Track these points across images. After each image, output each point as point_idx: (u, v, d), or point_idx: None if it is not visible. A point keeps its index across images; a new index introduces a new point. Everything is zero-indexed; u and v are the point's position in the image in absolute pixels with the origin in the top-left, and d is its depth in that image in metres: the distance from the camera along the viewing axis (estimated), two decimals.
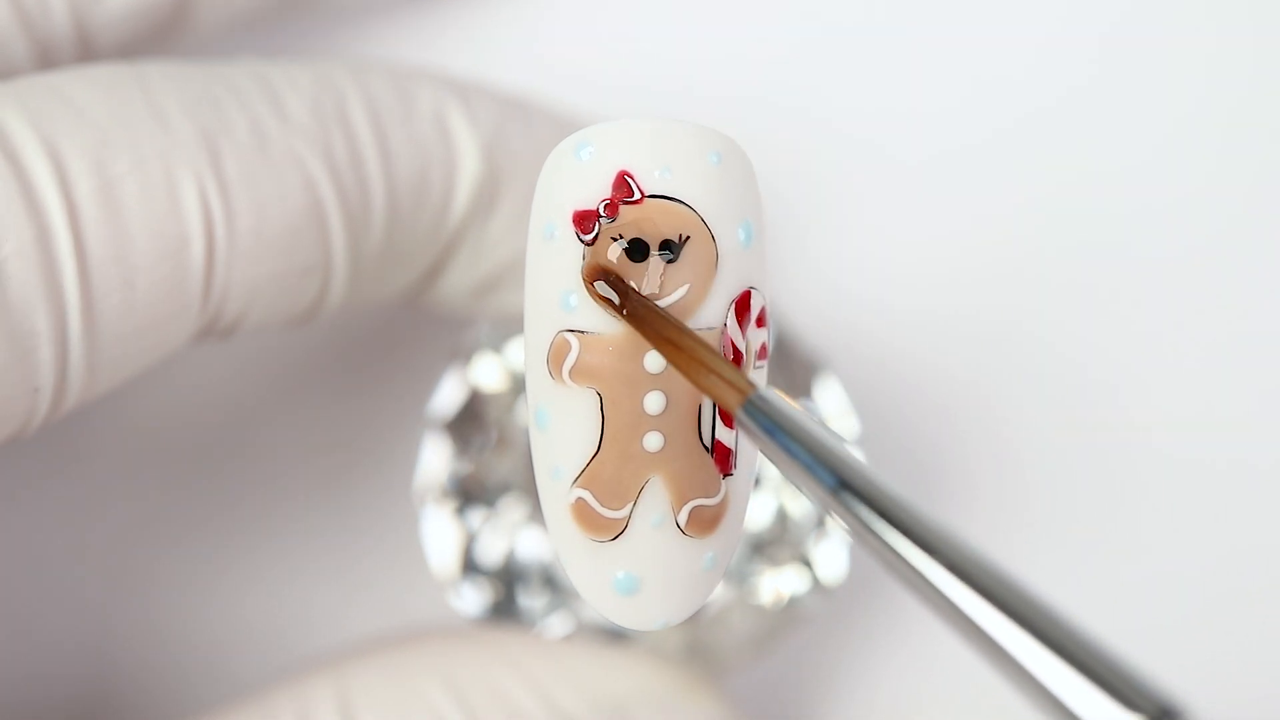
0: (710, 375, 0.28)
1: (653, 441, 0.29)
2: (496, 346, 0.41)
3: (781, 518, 0.41)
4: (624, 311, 0.29)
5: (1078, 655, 0.23)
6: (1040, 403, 0.45)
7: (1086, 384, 0.46)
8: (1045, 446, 0.45)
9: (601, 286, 0.29)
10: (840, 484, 0.25)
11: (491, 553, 0.41)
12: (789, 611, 0.41)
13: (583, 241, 0.29)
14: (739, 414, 0.27)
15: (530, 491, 0.41)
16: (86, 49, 0.37)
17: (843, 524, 0.26)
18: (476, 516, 0.41)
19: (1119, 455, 0.46)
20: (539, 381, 0.30)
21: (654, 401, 0.29)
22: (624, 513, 0.30)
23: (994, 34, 0.46)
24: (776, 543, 0.41)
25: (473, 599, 0.41)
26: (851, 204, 0.46)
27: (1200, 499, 0.45)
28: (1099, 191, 0.46)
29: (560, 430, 0.30)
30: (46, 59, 0.36)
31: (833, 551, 0.41)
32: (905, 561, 0.24)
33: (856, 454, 0.26)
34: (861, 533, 0.25)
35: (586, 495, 0.30)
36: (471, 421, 0.41)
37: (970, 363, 0.45)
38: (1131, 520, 0.45)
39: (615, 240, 0.29)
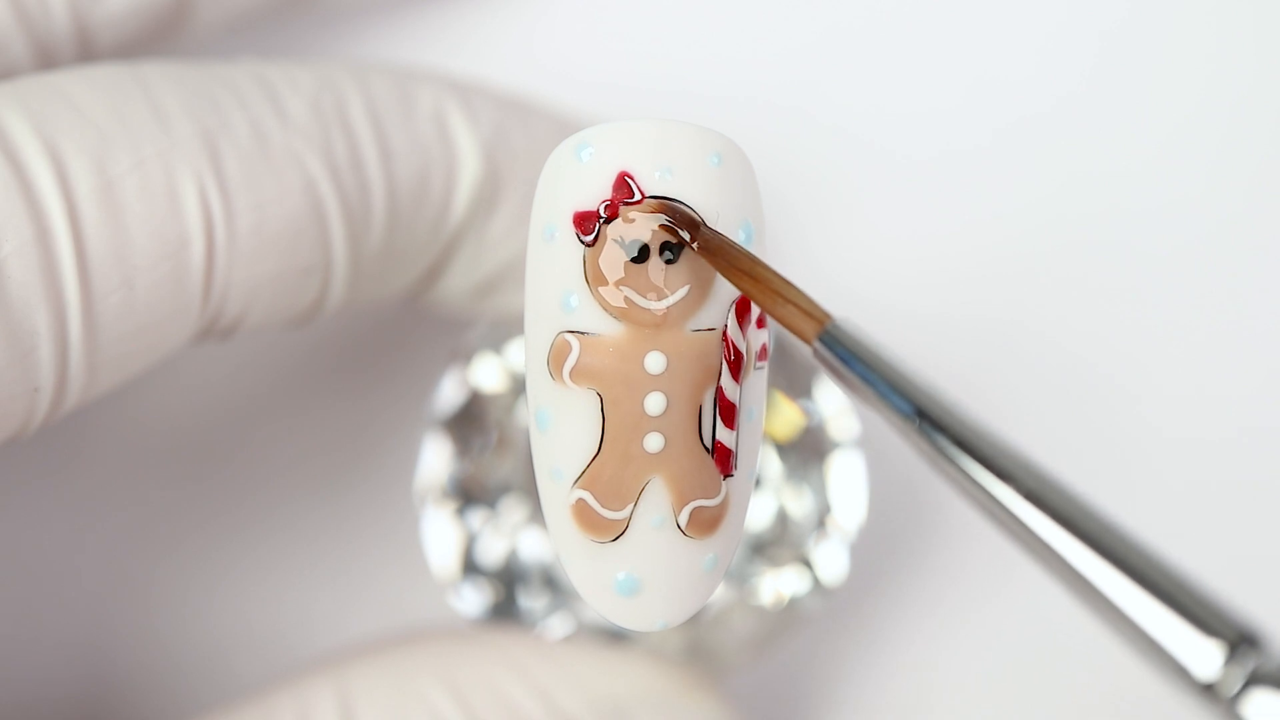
0: (786, 304, 0.28)
1: (653, 442, 0.29)
2: (497, 347, 0.41)
3: (782, 518, 0.41)
4: (694, 243, 0.29)
5: (1157, 582, 0.23)
6: (1041, 401, 0.45)
7: (1088, 382, 0.46)
8: (1047, 446, 0.45)
9: (676, 223, 0.29)
10: (918, 412, 0.25)
11: (492, 553, 0.41)
12: (789, 612, 0.41)
13: (583, 243, 0.29)
14: (816, 344, 0.27)
15: (531, 492, 0.41)
16: (86, 49, 0.37)
17: (921, 454, 0.25)
18: (477, 517, 0.41)
19: (1122, 453, 0.46)
20: (539, 382, 0.30)
21: (654, 402, 0.29)
22: (624, 514, 0.30)
23: (994, 34, 0.46)
24: (777, 543, 0.41)
25: (473, 600, 0.41)
26: (851, 204, 0.46)
27: (1205, 496, 0.45)
28: (1099, 191, 0.46)
29: (561, 431, 0.30)
30: (46, 59, 0.36)
31: (833, 552, 0.41)
32: (983, 489, 0.24)
33: (936, 382, 0.26)
34: (939, 461, 0.25)
35: (587, 496, 0.30)
36: (472, 422, 0.41)
37: (971, 362, 0.45)
38: (1135, 520, 0.45)
39: (616, 241, 0.29)
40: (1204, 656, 0.22)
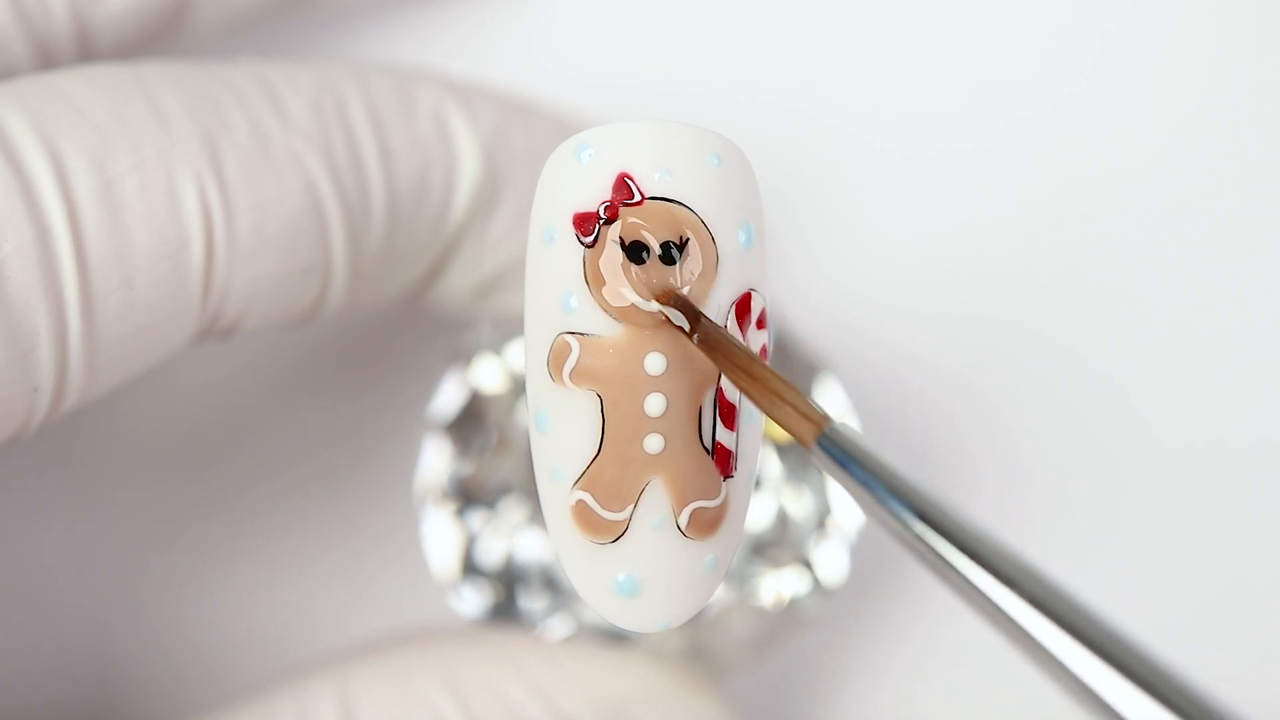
0: (783, 406, 0.28)
1: (653, 444, 0.29)
2: (497, 348, 0.41)
3: (782, 519, 0.41)
4: (694, 336, 0.29)
5: (1166, 693, 0.22)
6: (1041, 401, 0.45)
7: (1087, 383, 0.46)
8: (1046, 445, 0.46)
9: (672, 313, 0.29)
10: (917, 519, 0.25)
11: (492, 554, 0.41)
12: (789, 613, 0.41)
13: (583, 244, 0.29)
14: (814, 446, 0.27)
15: (531, 493, 0.41)
16: (86, 49, 0.37)
17: (920, 559, 0.25)
18: (477, 518, 0.41)
19: (1121, 454, 0.46)
20: (539, 384, 0.30)
21: (654, 404, 0.29)
22: (624, 515, 0.30)
23: (994, 34, 0.46)
24: (777, 544, 0.41)
25: (473, 600, 0.41)
26: (851, 204, 0.46)
27: (1203, 496, 0.45)
28: (1099, 191, 0.46)
29: (560, 432, 0.30)
30: (46, 59, 0.36)
31: (833, 553, 0.41)
32: (985, 596, 0.24)
33: (933, 489, 0.26)
34: (939, 567, 0.25)
35: (587, 497, 0.30)
36: (472, 423, 0.41)
37: (971, 362, 0.45)
38: (1134, 519, 0.46)
39: (615, 242, 0.29)
40: None
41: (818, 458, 0.27)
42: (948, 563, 0.24)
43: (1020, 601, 0.24)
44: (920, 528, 0.25)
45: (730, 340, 0.29)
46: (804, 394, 0.28)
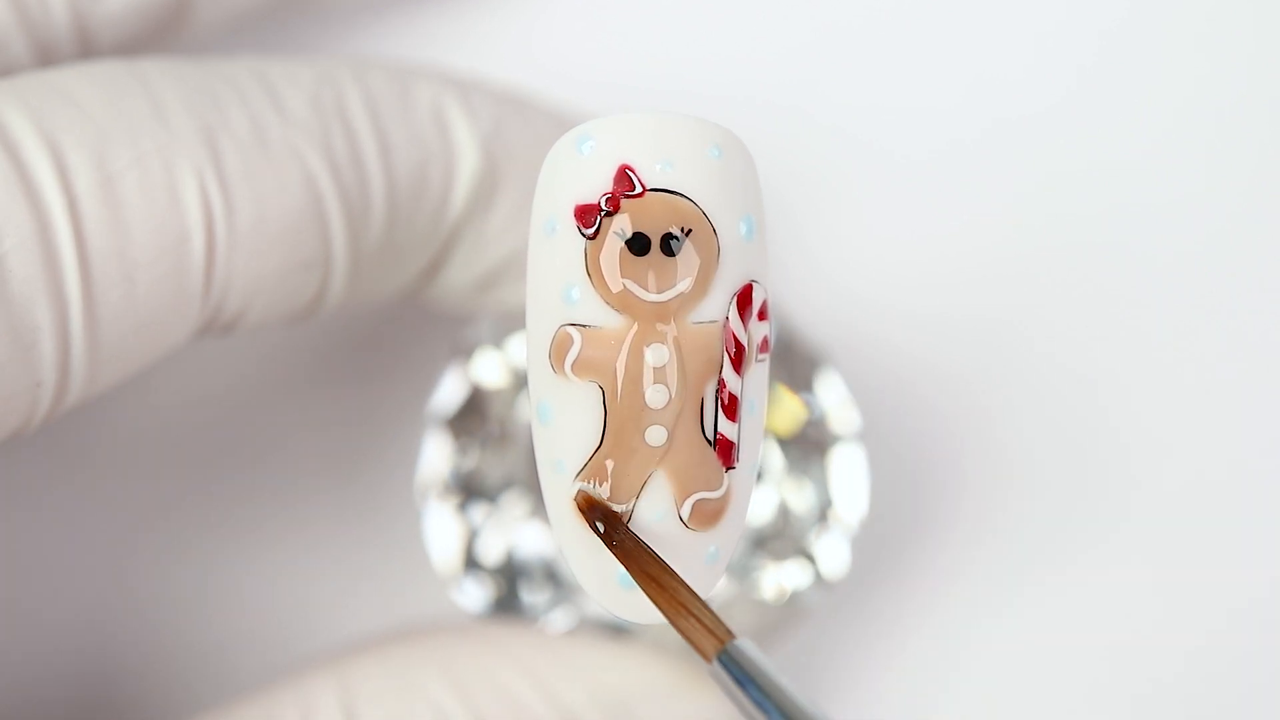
0: (689, 617, 0.28)
1: (655, 435, 0.29)
2: (497, 342, 0.41)
3: (784, 512, 0.41)
4: (612, 544, 0.29)
5: None
6: (1041, 402, 0.45)
7: (1084, 380, 0.46)
8: (1046, 443, 0.46)
9: (595, 518, 0.29)
10: None
11: (493, 548, 0.41)
12: (791, 606, 0.41)
13: (584, 235, 0.29)
14: (714, 661, 0.27)
15: (532, 487, 0.41)
16: (86, 48, 0.37)
17: None
18: (478, 512, 0.41)
19: (1116, 453, 0.46)
20: (541, 376, 0.30)
21: (656, 395, 0.29)
22: (627, 506, 0.30)
23: (993, 33, 0.46)
24: (779, 537, 0.41)
25: (475, 595, 0.41)
26: (851, 204, 0.46)
27: (1205, 493, 0.45)
28: (1099, 191, 0.46)
29: (563, 424, 0.30)
30: (46, 58, 0.36)
31: (834, 546, 0.41)
32: None
33: (822, 707, 0.26)
34: None
35: (590, 489, 0.30)
36: (473, 417, 0.41)
37: (970, 362, 0.46)
38: (1133, 517, 0.45)
39: (617, 234, 0.29)
40: None
41: (716, 673, 0.27)
42: None
43: None
44: None
45: (646, 549, 0.29)
46: (711, 610, 0.28)
